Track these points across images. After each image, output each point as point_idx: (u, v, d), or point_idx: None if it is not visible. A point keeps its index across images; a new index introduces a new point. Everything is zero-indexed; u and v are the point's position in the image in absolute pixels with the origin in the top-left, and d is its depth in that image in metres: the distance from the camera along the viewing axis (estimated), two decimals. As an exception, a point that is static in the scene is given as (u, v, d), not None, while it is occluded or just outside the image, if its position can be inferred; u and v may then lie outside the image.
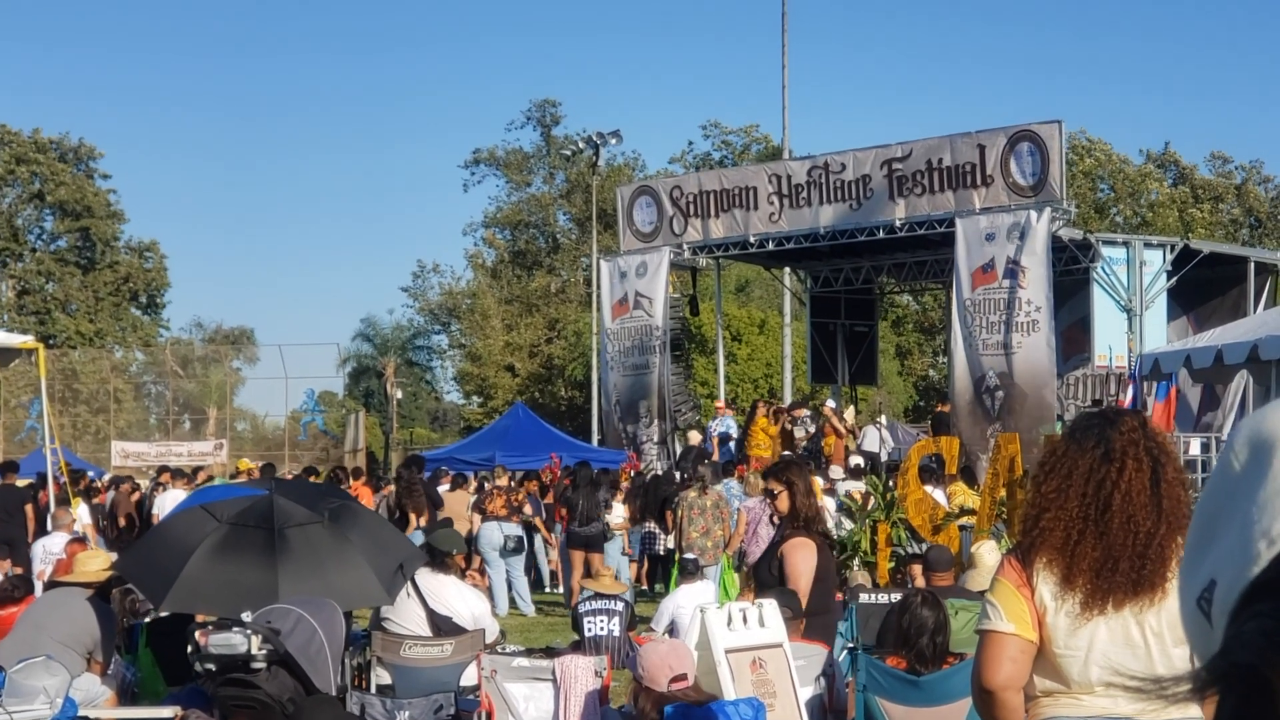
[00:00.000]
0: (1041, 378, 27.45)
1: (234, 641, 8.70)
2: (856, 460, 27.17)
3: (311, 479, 25.99)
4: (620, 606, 12.87)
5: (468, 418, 74.40)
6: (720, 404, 35.09)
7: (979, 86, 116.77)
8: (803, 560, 9.62)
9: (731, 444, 31.64)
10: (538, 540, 24.81)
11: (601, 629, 12.28)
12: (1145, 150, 68.46)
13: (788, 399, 37.08)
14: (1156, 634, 4.63)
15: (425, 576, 11.41)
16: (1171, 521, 4.62)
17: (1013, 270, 27.49)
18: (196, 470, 34.91)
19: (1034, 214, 27.28)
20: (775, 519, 10.27)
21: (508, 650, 10.76)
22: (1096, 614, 4.60)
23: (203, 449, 52.53)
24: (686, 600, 14.12)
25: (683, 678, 8.03)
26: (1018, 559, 4.78)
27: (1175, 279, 30.96)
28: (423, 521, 24.18)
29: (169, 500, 24.79)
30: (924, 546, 16.86)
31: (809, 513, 9.77)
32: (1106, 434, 4.69)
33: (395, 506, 24.07)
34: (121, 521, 26.45)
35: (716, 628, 8.86)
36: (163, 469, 32.29)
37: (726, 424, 32.58)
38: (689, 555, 17.73)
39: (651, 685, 7.99)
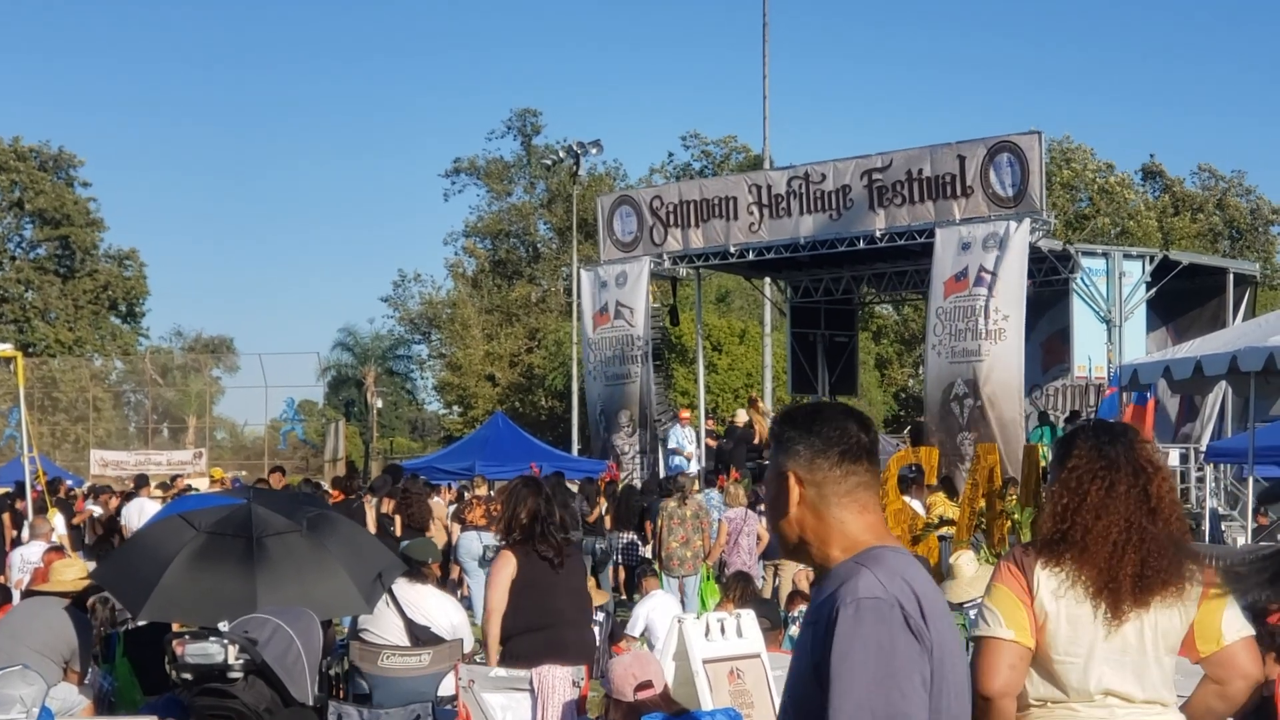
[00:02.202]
0: (1009, 387, 27.34)
1: (211, 651, 8.68)
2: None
3: (276, 475, 25.97)
4: (600, 616, 12.86)
5: (448, 427, 74.35)
6: (684, 413, 35.03)
7: (959, 97, 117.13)
8: None
9: (680, 459, 31.49)
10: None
11: (583, 638, 12.25)
12: (1140, 168, 68.72)
13: (767, 407, 37.12)
14: (1152, 642, 4.68)
15: (402, 586, 11.38)
16: (1173, 534, 4.74)
17: (983, 278, 27.44)
18: (174, 478, 34.82)
19: (1013, 224, 27.28)
20: None
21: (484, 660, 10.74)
22: (1125, 619, 4.64)
23: (182, 458, 52.40)
24: (658, 610, 14.11)
25: (648, 685, 7.99)
26: (1017, 564, 4.78)
27: (1155, 290, 31.05)
28: (431, 532, 24.20)
29: (134, 509, 24.70)
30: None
31: None
32: (1133, 447, 4.82)
33: (394, 516, 24.04)
34: (98, 530, 26.33)
35: (694, 638, 8.84)
36: (139, 478, 32.19)
37: (679, 438, 32.35)
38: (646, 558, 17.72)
39: (618, 696, 7.97)
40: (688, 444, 32.15)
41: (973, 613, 9.30)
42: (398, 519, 23.87)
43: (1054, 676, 4.71)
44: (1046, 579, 4.69)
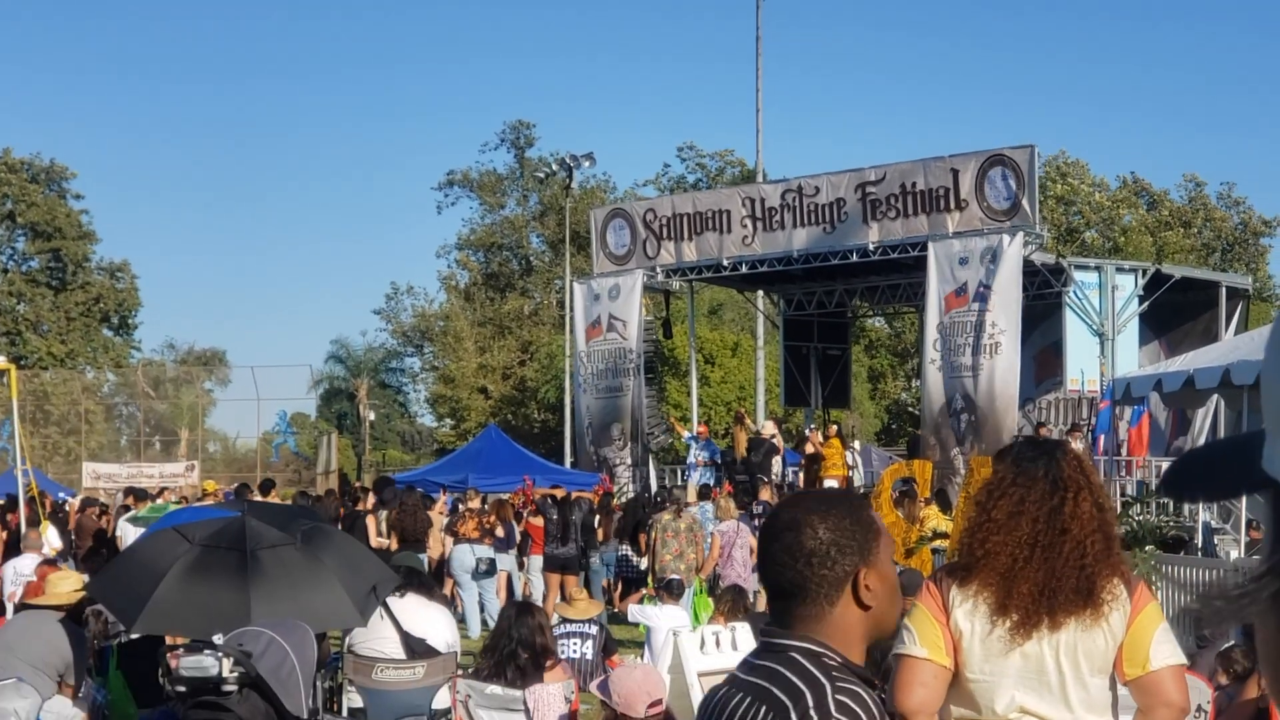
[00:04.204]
0: (1005, 400, 27.44)
1: (205, 664, 8.65)
2: (830, 484, 27.21)
3: (270, 496, 25.94)
4: (594, 630, 12.87)
5: (440, 440, 74.33)
6: (702, 427, 35.19)
7: (953, 111, 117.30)
8: None
9: (700, 468, 31.51)
10: (511, 562, 24.74)
11: (574, 651, 12.27)
12: (1121, 176, 68.77)
13: (760, 422, 37.14)
14: (1073, 663, 4.65)
15: (395, 600, 11.39)
16: (1086, 551, 4.66)
17: (983, 294, 27.54)
18: (162, 490, 34.74)
19: (1006, 238, 27.36)
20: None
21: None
22: (1029, 637, 4.61)
23: (174, 470, 52.26)
24: (661, 621, 14.12)
25: (658, 703, 8.04)
26: (936, 584, 4.80)
27: (1147, 303, 31.10)
28: (431, 543, 24.16)
29: (130, 524, 24.62)
30: (897, 570, 16.89)
31: None
32: (1055, 463, 4.75)
33: (393, 528, 24.00)
34: (89, 542, 26.26)
35: (689, 651, 8.86)
36: (129, 491, 32.11)
37: (697, 451, 32.34)
38: (674, 576, 17.67)
39: (628, 712, 7.98)
40: (704, 455, 32.13)
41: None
42: (393, 534, 23.83)
43: (969, 696, 4.71)
44: (960, 598, 4.69)
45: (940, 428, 28.27)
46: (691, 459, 32.23)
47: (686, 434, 33.66)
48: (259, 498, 25.23)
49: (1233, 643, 11.65)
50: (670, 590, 15.38)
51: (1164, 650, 4.68)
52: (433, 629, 11.50)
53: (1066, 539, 4.64)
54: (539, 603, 23.94)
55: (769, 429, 31.45)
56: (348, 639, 11.07)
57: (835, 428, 31.74)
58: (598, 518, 25.37)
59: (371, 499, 26.02)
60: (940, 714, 4.72)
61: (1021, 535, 4.66)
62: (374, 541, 22.19)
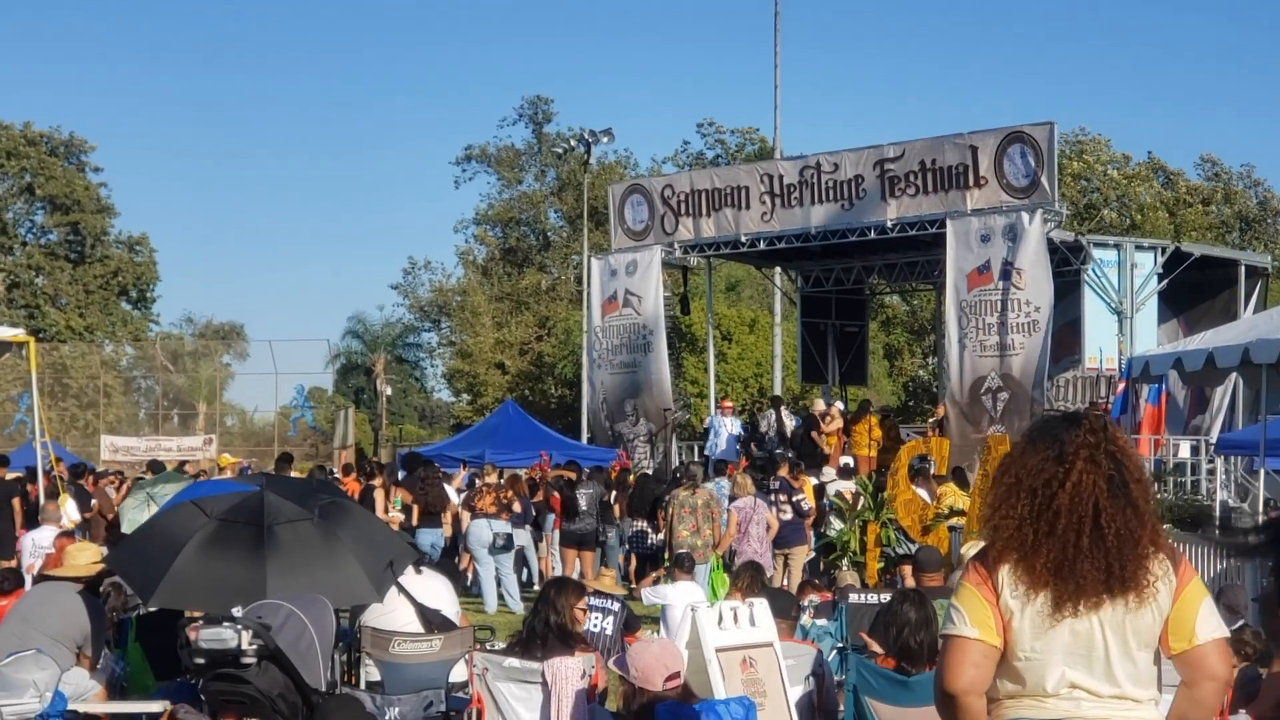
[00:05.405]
0: (1038, 378, 27.48)
1: (224, 636, 8.68)
2: (846, 460, 27.19)
3: (291, 470, 25.96)
4: (617, 607, 12.89)
5: (457, 415, 74.36)
6: (726, 402, 35.38)
7: (972, 88, 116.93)
8: None
9: (722, 440, 31.66)
10: (527, 537, 24.79)
11: (595, 626, 12.27)
12: (1134, 159, 68.49)
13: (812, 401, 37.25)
14: (1121, 638, 4.66)
15: (407, 575, 11.40)
16: (1147, 520, 4.67)
17: (1008, 271, 27.49)
18: (182, 465, 34.81)
19: (1026, 215, 27.29)
20: None
21: (499, 648, 10.75)
22: (1067, 615, 4.64)
23: (192, 444, 52.42)
24: (677, 597, 14.12)
25: (676, 676, 8.07)
26: (982, 563, 4.80)
27: (1166, 281, 31.00)
28: (446, 518, 24.25)
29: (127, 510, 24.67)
30: (914, 547, 16.89)
31: None
32: (1061, 436, 4.77)
33: (416, 502, 24.09)
34: (109, 517, 26.33)
35: (707, 626, 8.86)
36: (151, 465, 32.23)
37: (718, 427, 32.43)
38: (683, 550, 17.69)
39: (646, 685, 8.01)
40: (726, 431, 32.16)
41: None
42: (415, 508, 23.90)
43: (1018, 674, 4.72)
44: (1009, 579, 4.70)
45: (970, 407, 28.18)
46: (719, 430, 32.20)
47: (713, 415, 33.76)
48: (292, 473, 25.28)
49: (1242, 623, 11.63)
50: (681, 565, 15.38)
51: (1209, 625, 4.71)
52: (439, 602, 11.53)
53: (1056, 514, 4.67)
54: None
55: (819, 406, 31.50)
56: (360, 617, 11.06)
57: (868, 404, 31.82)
58: (614, 494, 25.39)
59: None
60: (988, 691, 4.75)
61: (1021, 512, 4.71)
62: (380, 515, 22.24)
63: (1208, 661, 4.69)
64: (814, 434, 29.91)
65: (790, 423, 31.59)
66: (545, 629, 9.41)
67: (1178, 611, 4.69)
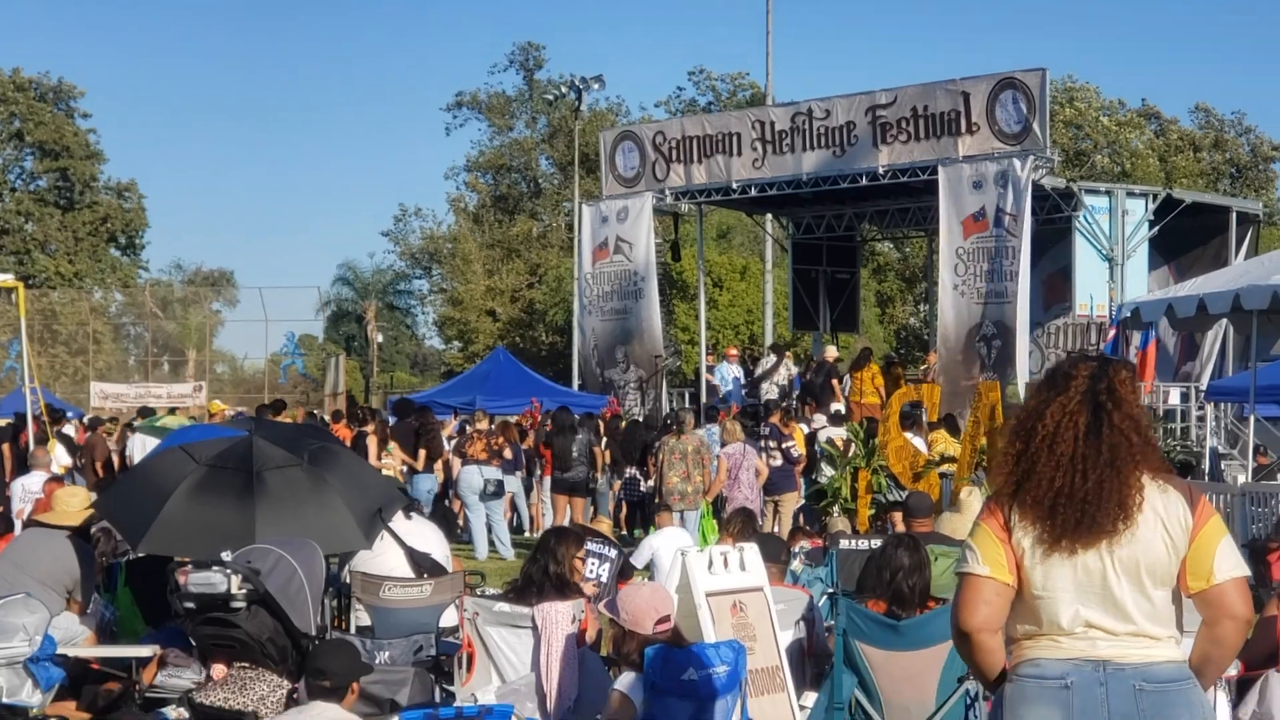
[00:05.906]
0: (1022, 325, 27.50)
1: (214, 581, 8.70)
2: (837, 407, 27.18)
3: (283, 416, 25.97)
4: (614, 553, 12.90)
5: (448, 362, 74.34)
6: (731, 349, 35.42)
7: (964, 35, 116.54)
8: None
9: (729, 388, 31.72)
10: (518, 484, 24.79)
11: (591, 572, 12.28)
12: (1124, 103, 68.38)
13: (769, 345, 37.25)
14: (1134, 578, 4.67)
15: (397, 520, 11.41)
16: (1119, 465, 4.69)
17: (1002, 218, 27.44)
18: (172, 411, 34.75)
19: (1018, 162, 27.25)
20: None
21: (489, 594, 10.75)
22: (1063, 553, 4.67)
23: (182, 391, 52.27)
24: (665, 542, 14.13)
25: (666, 619, 8.07)
26: (997, 503, 4.85)
27: (1157, 228, 30.96)
28: (438, 465, 24.31)
29: (137, 443, 24.66)
30: (904, 494, 16.90)
31: None
32: (1060, 378, 4.87)
33: (422, 447, 24.14)
34: (99, 465, 26.30)
35: (697, 571, 8.86)
36: (142, 411, 32.16)
37: (723, 374, 32.44)
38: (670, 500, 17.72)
39: (636, 628, 8.01)
40: (731, 379, 32.15)
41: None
42: (422, 453, 23.92)
43: (1034, 612, 4.76)
44: (1018, 517, 4.75)
45: (965, 353, 28.14)
46: (725, 376, 32.21)
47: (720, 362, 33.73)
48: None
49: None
50: (663, 508, 15.41)
51: (1228, 563, 4.71)
52: (428, 547, 11.55)
53: (1032, 456, 4.75)
54: (542, 526, 24.14)
55: (831, 353, 31.47)
56: (349, 562, 11.06)
57: (869, 351, 31.75)
58: (605, 440, 25.40)
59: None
60: (1006, 630, 4.80)
61: (1014, 455, 4.80)
62: (374, 463, 22.25)
63: (1227, 599, 4.69)
64: (834, 380, 29.78)
65: (788, 371, 31.57)
66: (543, 577, 9.40)
67: (1195, 550, 4.69)
